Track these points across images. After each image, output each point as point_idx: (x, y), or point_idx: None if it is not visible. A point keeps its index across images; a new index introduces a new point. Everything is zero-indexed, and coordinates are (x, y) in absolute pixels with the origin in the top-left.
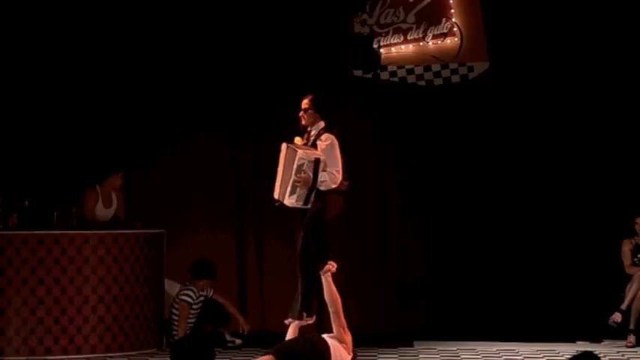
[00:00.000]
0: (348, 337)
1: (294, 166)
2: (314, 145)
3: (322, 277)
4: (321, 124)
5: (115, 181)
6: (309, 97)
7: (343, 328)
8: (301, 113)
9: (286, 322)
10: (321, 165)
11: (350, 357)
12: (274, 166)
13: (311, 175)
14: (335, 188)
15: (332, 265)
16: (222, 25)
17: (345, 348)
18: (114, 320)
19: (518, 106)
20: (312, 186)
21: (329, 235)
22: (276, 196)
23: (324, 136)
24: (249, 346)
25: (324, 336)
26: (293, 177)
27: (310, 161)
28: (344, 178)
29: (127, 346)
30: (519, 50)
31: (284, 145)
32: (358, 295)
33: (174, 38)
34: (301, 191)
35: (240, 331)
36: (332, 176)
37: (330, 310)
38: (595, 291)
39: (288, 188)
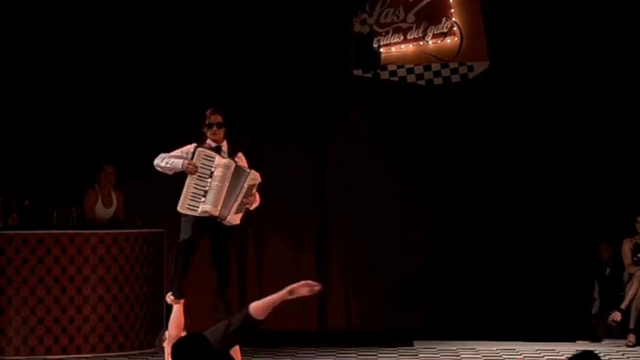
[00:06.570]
0: None
1: (245, 187)
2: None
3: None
4: (225, 140)
5: (108, 170)
6: (220, 111)
7: None
8: (215, 129)
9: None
10: None
11: None
12: (274, 165)
13: (256, 198)
14: None
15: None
16: (223, 23)
17: None
18: (114, 320)
19: (518, 105)
20: (253, 206)
21: None
22: (215, 212)
23: (240, 155)
24: (249, 345)
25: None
26: (242, 198)
27: (259, 183)
28: None
29: (127, 345)
30: (519, 50)
31: (227, 161)
32: (358, 295)
33: (172, 37)
34: (244, 210)
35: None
36: None
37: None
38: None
39: (235, 206)
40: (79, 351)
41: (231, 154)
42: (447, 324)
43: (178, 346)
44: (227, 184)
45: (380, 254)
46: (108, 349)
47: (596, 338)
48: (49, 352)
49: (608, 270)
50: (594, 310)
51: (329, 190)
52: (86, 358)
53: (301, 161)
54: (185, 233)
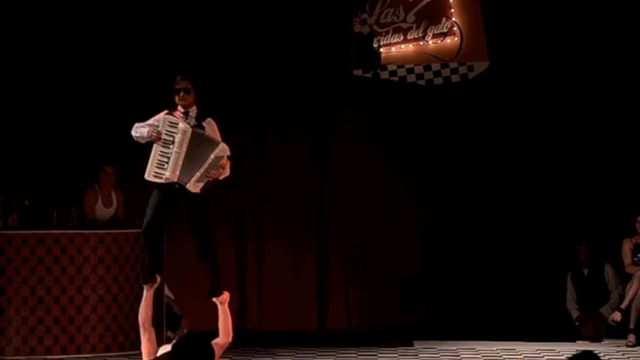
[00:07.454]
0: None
1: (211, 158)
2: (200, 127)
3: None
4: (195, 106)
5: (108, 171)
6: (188, 77)
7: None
8: (182, 94)
9: (214, 299)
10: None
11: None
12: (275, 165)
13: (226, 169)
14: None
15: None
16: (223, 23)
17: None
18: (114, 320)
19: (518, 105)
20: (223, 176)
21: None
22: (174, 178)
23: (209, 120)
24: (249, 345)
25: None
26: (205, 169)
27: (227, 156)
28: None
29: (127, 345)
30: (519, 50)
31: (184, 126)
32: (358, 295)
33: (171, 38)
34: (205, 180)
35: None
36: None
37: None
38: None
39: (197, 175)
40: (79, 351)
41: (199, 119)
42: (447, 324)
43: (178, 346)
44: (184, 149)
45: (380, 254)
46: (108, 349)
47: (581, 338)
48: (49, 352)
49: (586, 271)
50: (575, 313)
51: (329, 190)
52: (86, 358)
53: (301, 161)
54: (147, 215)
